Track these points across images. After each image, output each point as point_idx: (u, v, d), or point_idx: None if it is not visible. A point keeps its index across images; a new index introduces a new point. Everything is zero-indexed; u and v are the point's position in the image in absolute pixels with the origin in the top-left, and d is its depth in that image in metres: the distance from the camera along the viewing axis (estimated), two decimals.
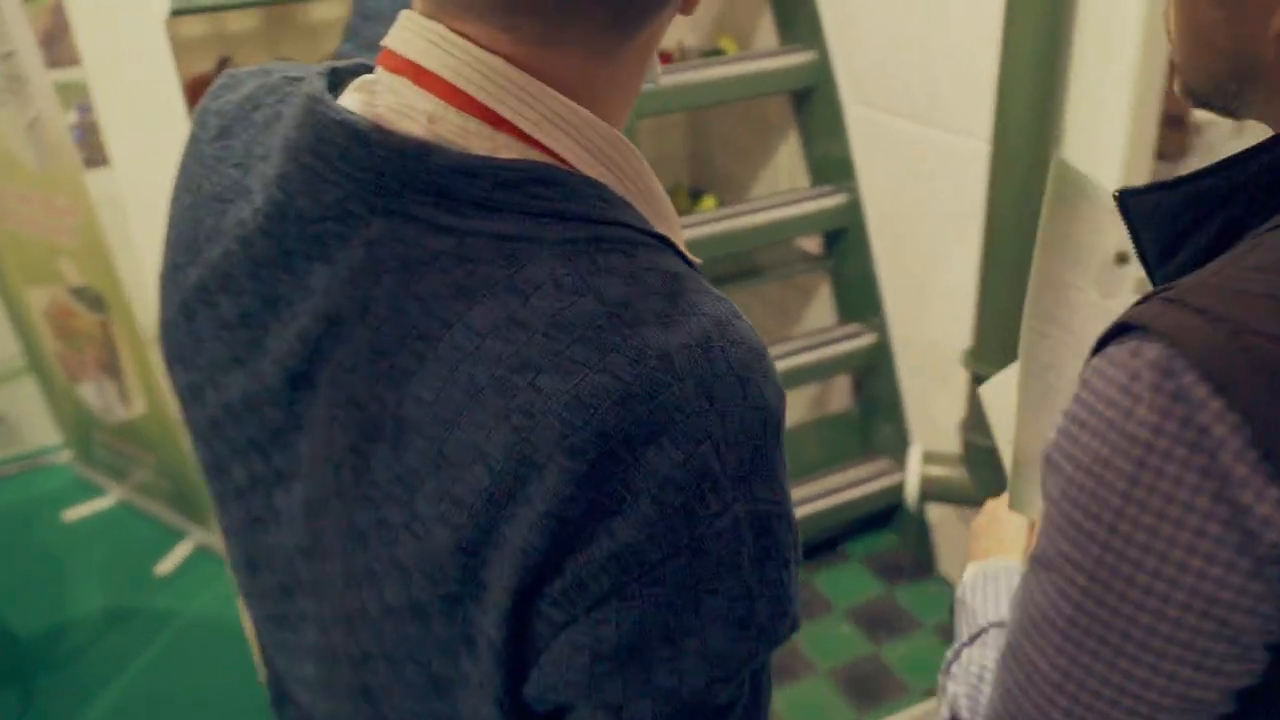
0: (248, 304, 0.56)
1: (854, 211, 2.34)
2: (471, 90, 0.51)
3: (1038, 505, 0.87)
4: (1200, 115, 4.47)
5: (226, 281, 0.56)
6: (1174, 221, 0.63)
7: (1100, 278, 0.87)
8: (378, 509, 0.51)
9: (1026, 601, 0.61)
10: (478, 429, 0.47)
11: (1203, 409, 0.50)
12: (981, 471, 2.04)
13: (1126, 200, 0.66)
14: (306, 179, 0.52)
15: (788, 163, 2.60)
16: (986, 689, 0.70)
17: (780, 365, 2.30)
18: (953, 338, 2.09)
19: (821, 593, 2.32)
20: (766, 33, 2.50)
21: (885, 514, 2.48)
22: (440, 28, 0.51)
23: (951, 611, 0.90)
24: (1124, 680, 0.55)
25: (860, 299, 2.42)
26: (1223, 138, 2.17)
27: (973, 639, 0.79)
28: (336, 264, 0.52)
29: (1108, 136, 1.73)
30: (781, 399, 0.50)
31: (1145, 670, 0.55)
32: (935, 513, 2.36)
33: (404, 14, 0.54)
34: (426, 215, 0.50)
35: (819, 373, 2.43)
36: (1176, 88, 0.67)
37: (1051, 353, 0.89)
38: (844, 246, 2.42)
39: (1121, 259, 0.86)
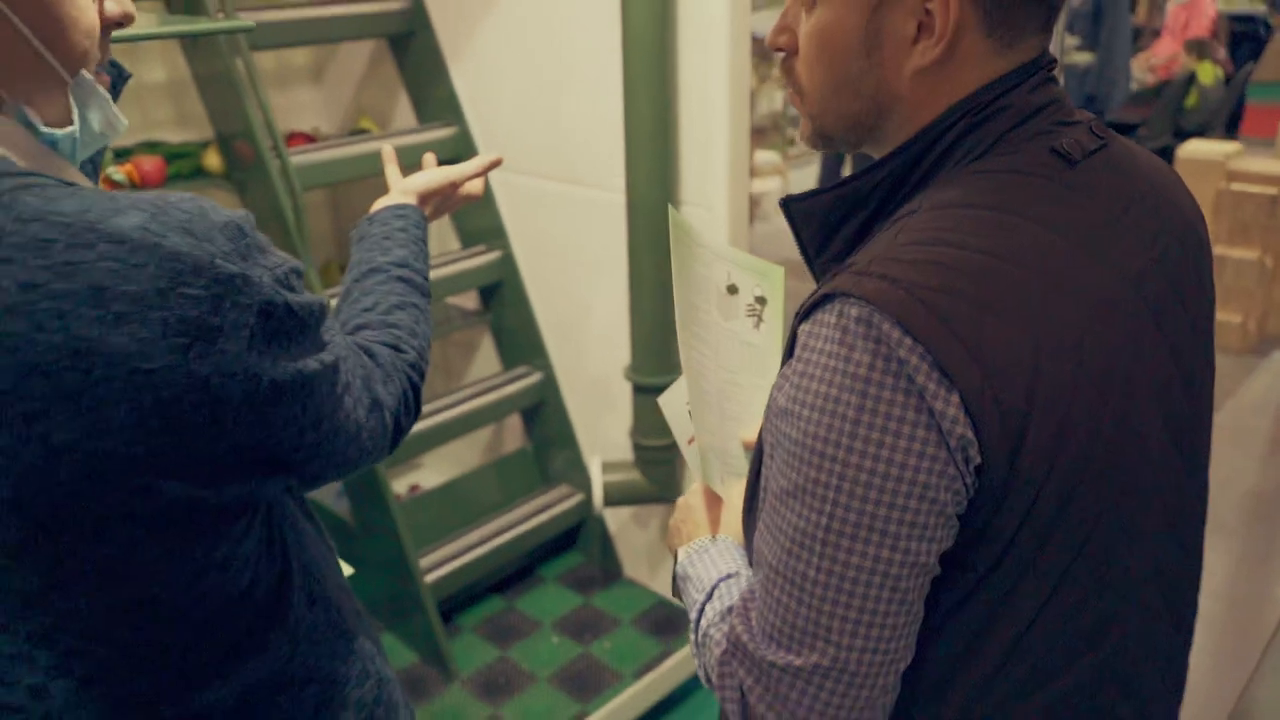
0: None
1: (508, 265, 2.60)
2: None
3: (721, 479, 1.10)
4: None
5: None
6: (826, 218, 0.82)
7: (719, 304, 1.04)
8: None
9: (779, 530, 0.73)
10: None
11: (900, 346, 0.66)
12: (651, 469, 2.36)
13: (789, 206, 0.84)
14: None
15: (436, 232, 2.82)
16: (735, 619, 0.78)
17: (452, 413, 2.47)
18: (612, 361, 2.40)
19: (527, 614, 2.51)
20: (405, 115, 2.71)
21: (570, 535, 2.73)
22: None
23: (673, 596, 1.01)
24: (874, 563, 0.69)
25: (523, 345, 2.68)
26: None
27: (708, 597, 0.87)
28: None
29: (713, 178, 2.14)
30: None
31: (888, 549, 0.69)
32: (614, 524, 2.65)
33: None
34: None
35: (491, 415, 2.62)
36: (803, 135, 0.85)
37: (699, 362, 1.06)
38: (501, 299, 2.67)
39: (731, 290, 1.04)
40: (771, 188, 5.81)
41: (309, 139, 2.64)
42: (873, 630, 0.71)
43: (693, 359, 1.07)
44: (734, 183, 2.12)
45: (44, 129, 0.69)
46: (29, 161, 0.67)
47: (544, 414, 2.70)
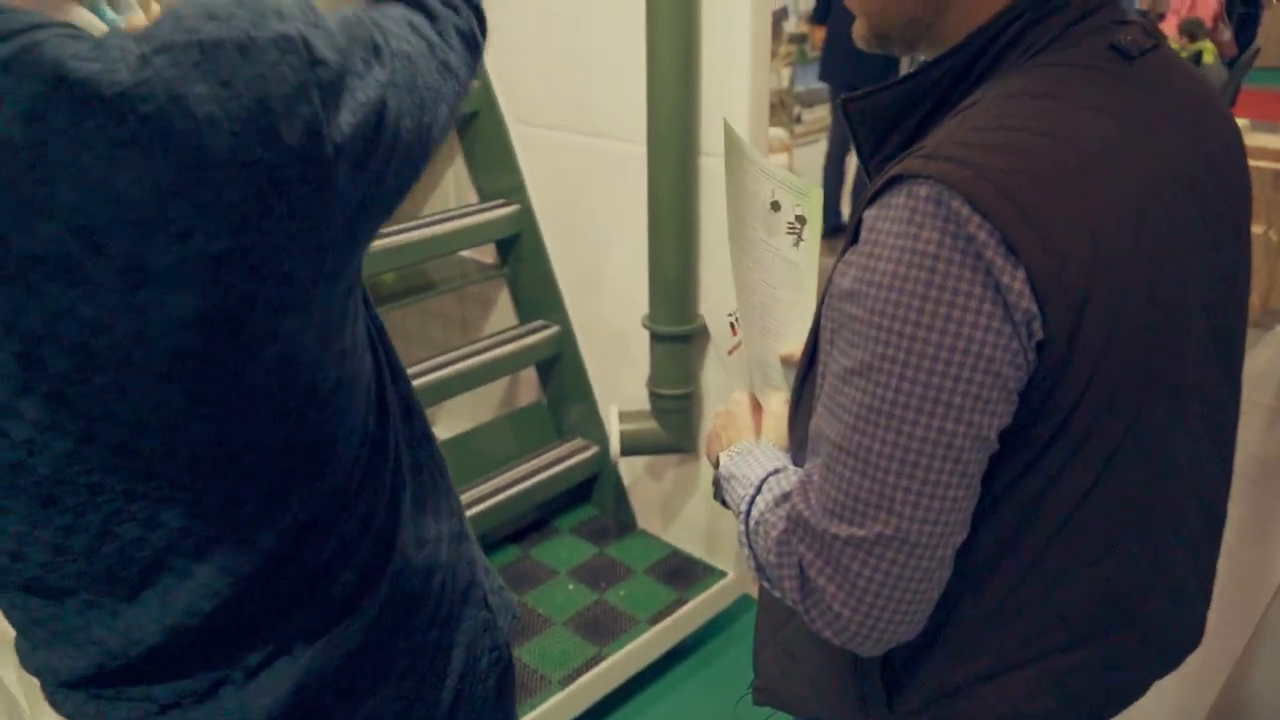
0: None
1: (526, 218, 2.62)
2: None
3: (768, 389, 1.13)
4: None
5: None
6: (884, 115, 0.84)
7: (763, 219, 1.07)
8: None
9: (843, 409, 0.75)
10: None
11: (969, 223, 0.68)
12: (667, 418, 2.39)
13: (847, 104, 0.86)
14: None
15: (455, 188, 2.83)
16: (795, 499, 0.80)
17: (465, 365, 2.49)
18: (630, 312, 2.43)
19: (543, 563, 2.54)
20: None
21: (585, 487, 2.76)
22: None
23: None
24: (939, 435, 0.72)
25: (540, 299, 2.70)
26: None
27: (758, 490, 0.89)
28: None
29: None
30: None
31: (952, 422, 0.71)
32: (629, 477, 2.68)
33: None
34: None
35: (506, 368, 2.64)
36: (859, 35, 0.88)
37: (745, 274, 1.10)
38: (519, 253, 2.69)
39: (775, 206, 1.06)
40: (778, 163, 5.82)
41: None
42: (934, 502, 0.74)
43: (740, 270, 1.10)
44: (754, 133, 2.15)
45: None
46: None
47: (560, 367, 2.73)
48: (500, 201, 2.64)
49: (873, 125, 0.85)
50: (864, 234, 0.75)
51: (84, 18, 0.71)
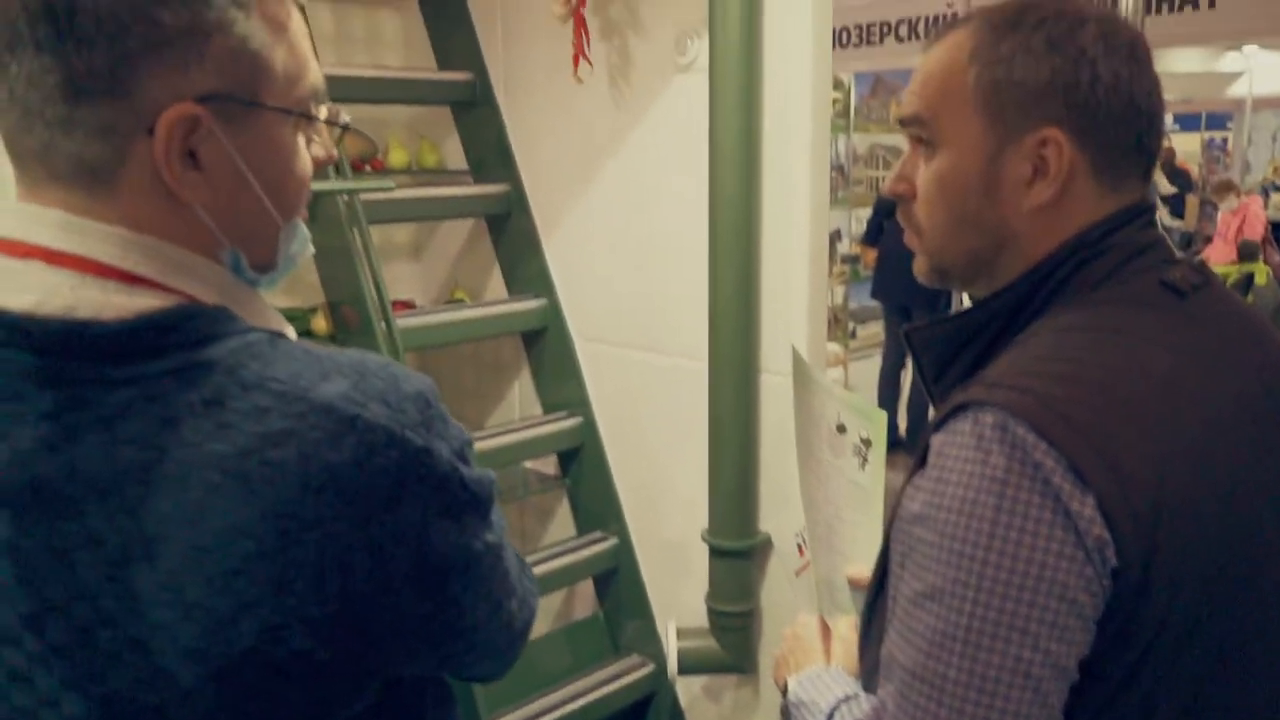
0: None
1: (588, 430, 2.68)
2: (105, 259, 0.64)
3: (836, 612, 1.13)
4: None
5: None
6: (946, 345, 0.88)
7: (829, 441, 1.10)
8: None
9: (917, 634, 0.74)
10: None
11: (1035, 449, 0.70)
12: (727, 636, 2.33)
13: (910, 334, 0.91)
14: None
15: (520, 399, 2.92)
16: None
17: None
18: (690, 525, 2.43)
19: None
20: (497, 286, 2.88)
21: (640, 707, 2.67)
22: (60, 213, 0.63)
23: None
24: (1015, 663, 0.70)
25: (600, 510, 2.71)
26: None
27: (829, 718, 0.89)
28: (13, 439, 0.61)
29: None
30: None
31: (1029, 649, 0.70)
32: (685, 697, 2.59)
33: (13, 205, 0.66)
34: (98, 375, 0.62)
35: (563, 580, 2.63)
36: (920, 272, 0.91)
37: (812, 495, 1.12)
38: (580, 464, 2.73)
39: (840, 429, 1.10)
40: (834, 378, 5.91)
41: (407, 307, 2.80)
42: None
43: (807, 491, 1.12)
44: (813, 349, 2.21)
45: (250, 274, 0.73)
46: (224, 296, 0.70)
47: (618, 580, 2.71)
48: (563, 414, 2.70)
49: (936, 354, 0.89)
50: (932, 458, 0.77)
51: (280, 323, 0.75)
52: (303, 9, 0.75)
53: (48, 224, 0.64)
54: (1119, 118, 0.83)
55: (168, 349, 0.63)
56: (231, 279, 0.71)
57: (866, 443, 1.06)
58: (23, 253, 0.64)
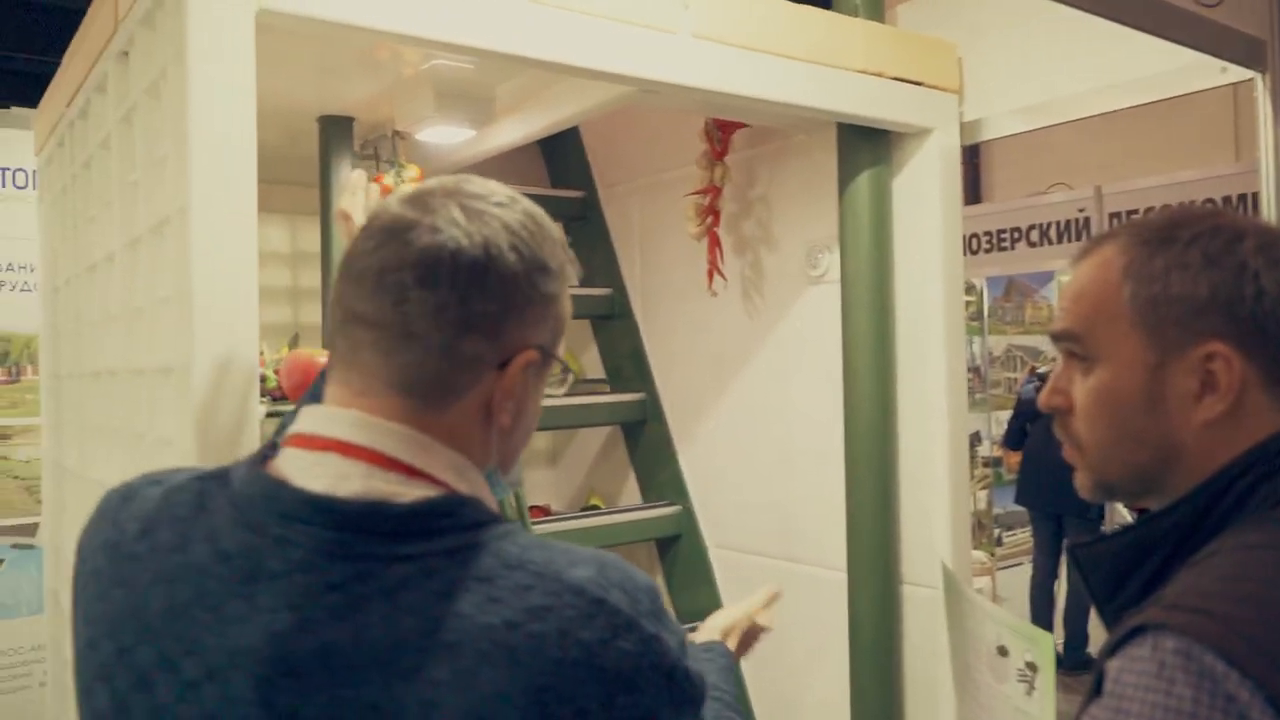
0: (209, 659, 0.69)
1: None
2: (393, 453, 0.73)
3: None
4: None
5: (191, 645, 0.69)
6: (1116, 563, 0.84)
7: (990, 664, 1.06)
8: None
9: None
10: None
11: (1226, 679, 0.65)
12: None
13: (1076, 553, 0.88)
14: (272, 544, 0.70)
15: None
16: None
17: None
18: None
19: None
20: (631, 492, 2.90)
21: None
22: (365, 415, 0.74)
23: None
24: None
25: None
26: None
27: None
28: (304, 608, 0.68)
29: (934, 560, 2.14)
30: None
31: None
32: None
33: (312, 407, 0.76)
34: (386, 552, 0.69)
35: None
36: (1082, 487, 0.89)
37: (973, 718, 1.09)
38: None
39: (1002, 651, 1.06)
40: (980, 587, 5.61)
41: (544, 512, 2.85)
42: None
43: (966, 714, 1.06)
44: (957, 558, 2.11)
45: (503, 482, 0.83)
46: (475, 493, 0.77)
47: None
48: (697, 623, 2.64)
49: (1106, 573, 0.85)
50: (1108, 686, 0.72)
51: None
52: None
53: (343, 422, 0.74)
54: None
55: (446, 531, 0.71)
56: (482, 481, 0.80)
57: (1032, 667, 1.00)
58: (320, 445, 0.73)
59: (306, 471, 0.73)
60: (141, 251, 1.57)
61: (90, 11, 1.81)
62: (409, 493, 0.72)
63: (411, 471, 0.73)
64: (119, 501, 0.80)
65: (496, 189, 0.80)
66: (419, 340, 0.74)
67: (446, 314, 0.74)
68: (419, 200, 0.77)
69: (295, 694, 0.66)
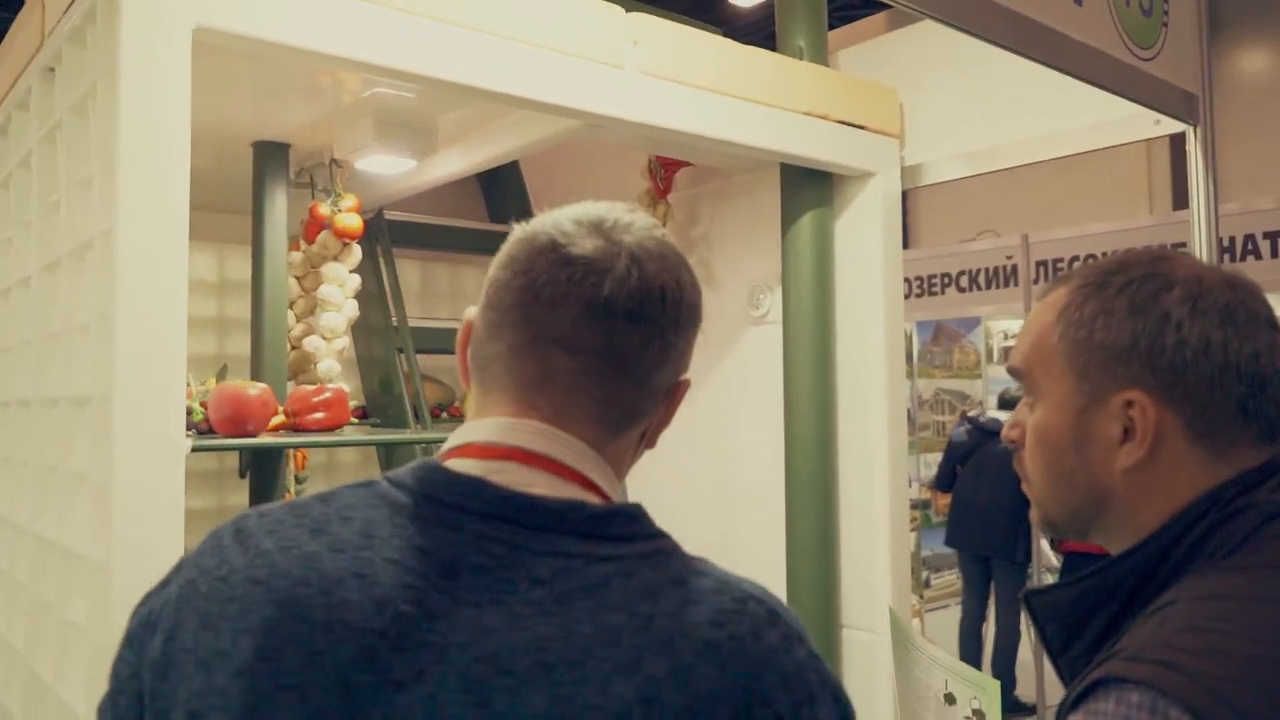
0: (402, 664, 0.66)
1: None
2: (573, 464, 0.74)
3: None
4: None
5: (372, 652, 0.66)
6: (1071, 612, 0.83)
7: (937, 711, 1.04)
8: None
9: None
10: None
11: None
12: None
13: (1030, 599, 0.86)
14: (471, 539, 0.70)
15: None
16: None
17: None
18: None
19: None
20: None
21: None
22: (544, 426, 0.75)
23: None
24: None
25: None
26: None
27: None
28: (510, 604, 0.67)
29: (873, 603, 2.13)
30: None
31: None
32: None
33: (479, 421, 0.77)
34: (585, 552, 0.70)
35: None
36: (1035, 520, 0.90)
37: None
38: None
39: (949, 699, 1.04)
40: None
41: None
42: None
43: None
44: (898, 601, 2.11)
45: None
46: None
47: None
48: None
49: (1062, 622, 0.84)
50: None
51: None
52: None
53: (524, 431, 0.75)
54: (1213, 381, 0.81)
55: (637, 536, 0.72)
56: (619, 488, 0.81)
57: (979, 715, 0.98)
58: (501, 454, 0.74)
59: (491, 476, 0.73)
60: (60, 275, 1.49)
61: (15, 24, 1.73)
62: (592, 500, 0.73)
63: (587, 483, 0.75)
64: (232, 538, 0.75)
65: (646, 216, 0.81)
66: (623, 373, 0.76)
67: (650, 348, 0.76)
68: (595, 228, 0.77)
69: (511, 696, 0.65)
